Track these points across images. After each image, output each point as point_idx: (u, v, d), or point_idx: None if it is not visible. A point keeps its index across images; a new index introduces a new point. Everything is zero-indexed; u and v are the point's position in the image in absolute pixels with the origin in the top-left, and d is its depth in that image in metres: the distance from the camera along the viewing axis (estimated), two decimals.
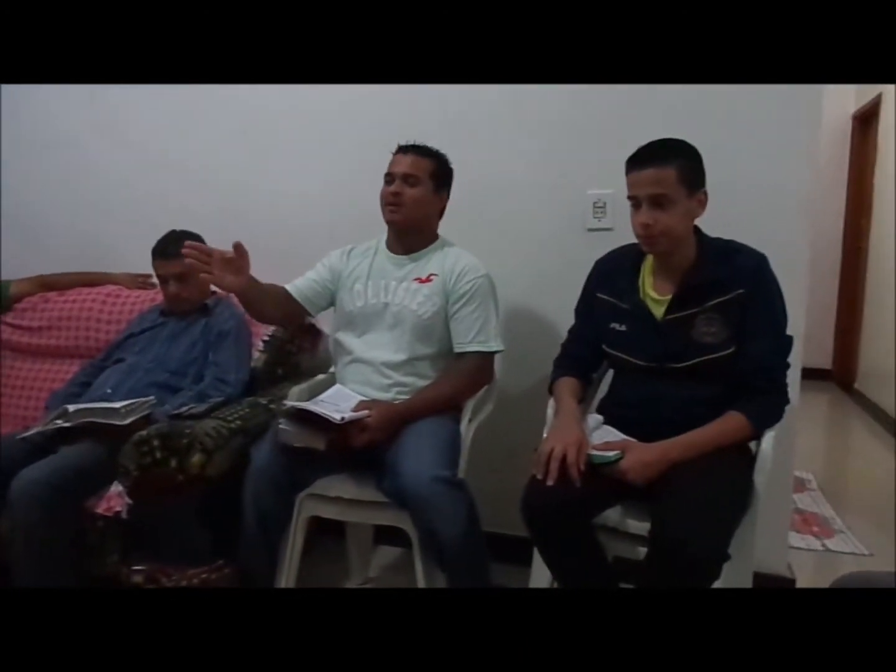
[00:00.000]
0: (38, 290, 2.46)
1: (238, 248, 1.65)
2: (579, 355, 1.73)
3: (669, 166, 1.45)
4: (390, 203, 1.83)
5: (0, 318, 2.43)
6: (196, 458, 1.66)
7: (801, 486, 2.97)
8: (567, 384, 1.67)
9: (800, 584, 2.02)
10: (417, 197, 1.82)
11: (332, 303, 1.97)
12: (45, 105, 2.59)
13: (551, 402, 1.71)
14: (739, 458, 1.51)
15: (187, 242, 1.65)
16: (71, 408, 1.80)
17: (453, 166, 1.93)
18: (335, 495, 1.74)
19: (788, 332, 1.55)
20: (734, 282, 1.50)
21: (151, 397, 1.88)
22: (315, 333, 2.26)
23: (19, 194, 2.65)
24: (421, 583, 1.68)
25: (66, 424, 1.78)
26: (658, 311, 1.56)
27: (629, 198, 1.51)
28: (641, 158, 1.49)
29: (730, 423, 1.48)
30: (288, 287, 1.92)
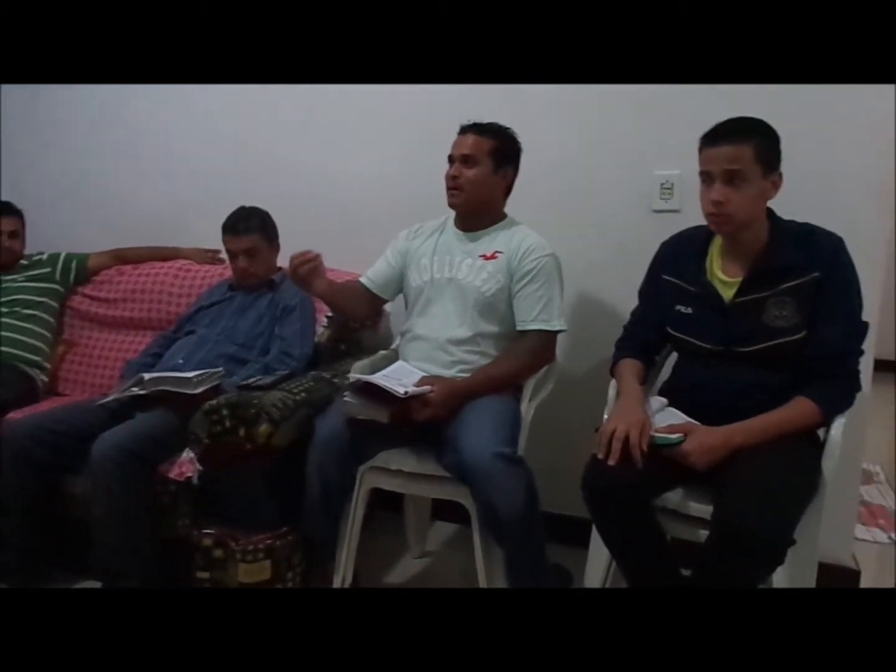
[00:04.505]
0: (114, 263, 2.56)
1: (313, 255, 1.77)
2: (642, 337, 1.71)
3: (746, 144, 1.42)
4: (450, 187, 1.85)
5: (79, 290, 2.55)
6: (263, 428, 1.70)
7: (868, 478, 2.89)
8: (629, 365, 1.66)
9: (865, 576, 1.97)
10: (474, 178, 1.82)
11: None
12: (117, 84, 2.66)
13: (613, 384, 1.70)
14: (807, 444, 1.48)
15: (298, 255, 1.77)
16: (146, 376, 1.88)
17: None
18: (396, 468, 1.77)
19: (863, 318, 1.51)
20: (809, 265, 1.46)
21: (220, 368, 1.95)
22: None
23: (98, 172, 2.76)
24: (479, 557, 1.71)
25: (142, 392, 1.86)
26: (727, 294, 1.53)
27: (701, 173, 1.48)
28: (718, 134, 1.45)
29: (798, 408, 1.45)
30: (362, 280, 2.00)
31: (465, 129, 1.87)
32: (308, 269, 1.76)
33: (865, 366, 1.63)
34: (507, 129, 1.88)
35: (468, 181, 1.82)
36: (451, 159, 1.86)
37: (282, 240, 2.25)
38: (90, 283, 2.54)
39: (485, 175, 1.84)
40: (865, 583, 1.97)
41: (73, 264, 2.52)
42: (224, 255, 2.31)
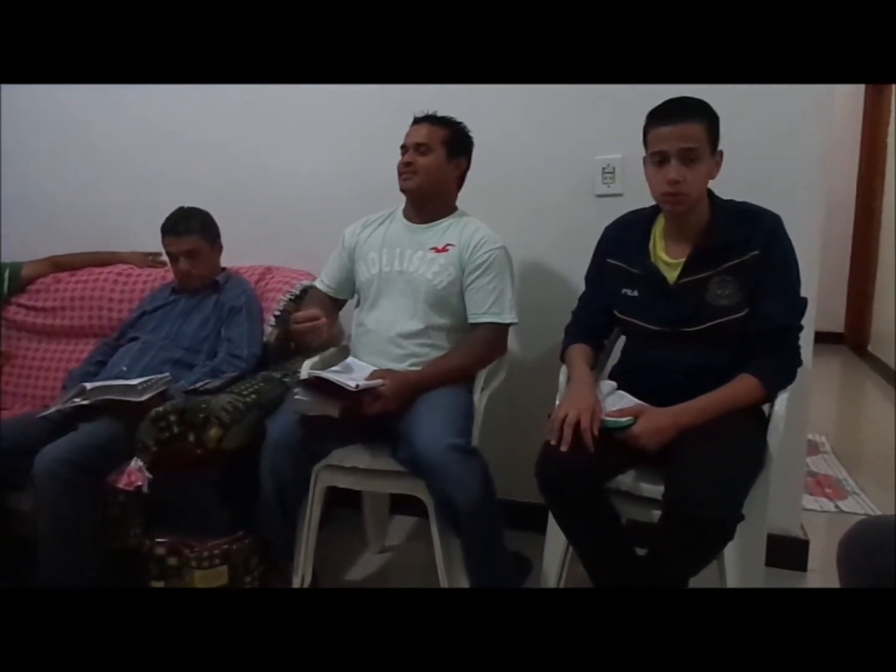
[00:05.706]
0: (50, 270, 2.47)
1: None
2: (590, 322, 1.73)
3: (699, 122, 1.43)
4: (403, 172, 1.85)
5: (14, 300, 2.45)
6: (213, 432, 1.67)
7: (814, 449, 2.97)
8: (579, 351, 1.67)
9: (813, 545, 2.03)
10: (428, 165, 1.83)
11: None
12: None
13: (563, 369, 1.71)
14: (752, 420, 1.51)
15: (298, 315, 1.77)
16: (89, 386, 1.82)
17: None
18: (351, 465, 1.76)
19: (801, 294, 1.54)
20: (749, 243, 1.48)
21: (167, 374, 1.90)
22: None
23: (28, 176, 2.65)
24: (437, 550, 1.71)
25: (85, 402, 1.80)
26: (671, 275, 1.55)
27: (654, 153, 1.47)
28: (670, 112, 1.45)
29: (742, 385, 1.48)
30: (318, 286, 2.01)
31: (418, 120, 1.88)
32: (304, 328, 1.73)
33: (806, 340, 1.67)
34: (461, 122, 1.90)
35: (422, 166, 1.83)
36: (404, 148, 1.86)
37: (226, 239, 2.20)
38: (25, 293, 2.45)
39: (439, 162, 1.85)
40: (814, 552, 2.03)
41: (6, 274, 2.42)
42: (165, 258, 2.25)
